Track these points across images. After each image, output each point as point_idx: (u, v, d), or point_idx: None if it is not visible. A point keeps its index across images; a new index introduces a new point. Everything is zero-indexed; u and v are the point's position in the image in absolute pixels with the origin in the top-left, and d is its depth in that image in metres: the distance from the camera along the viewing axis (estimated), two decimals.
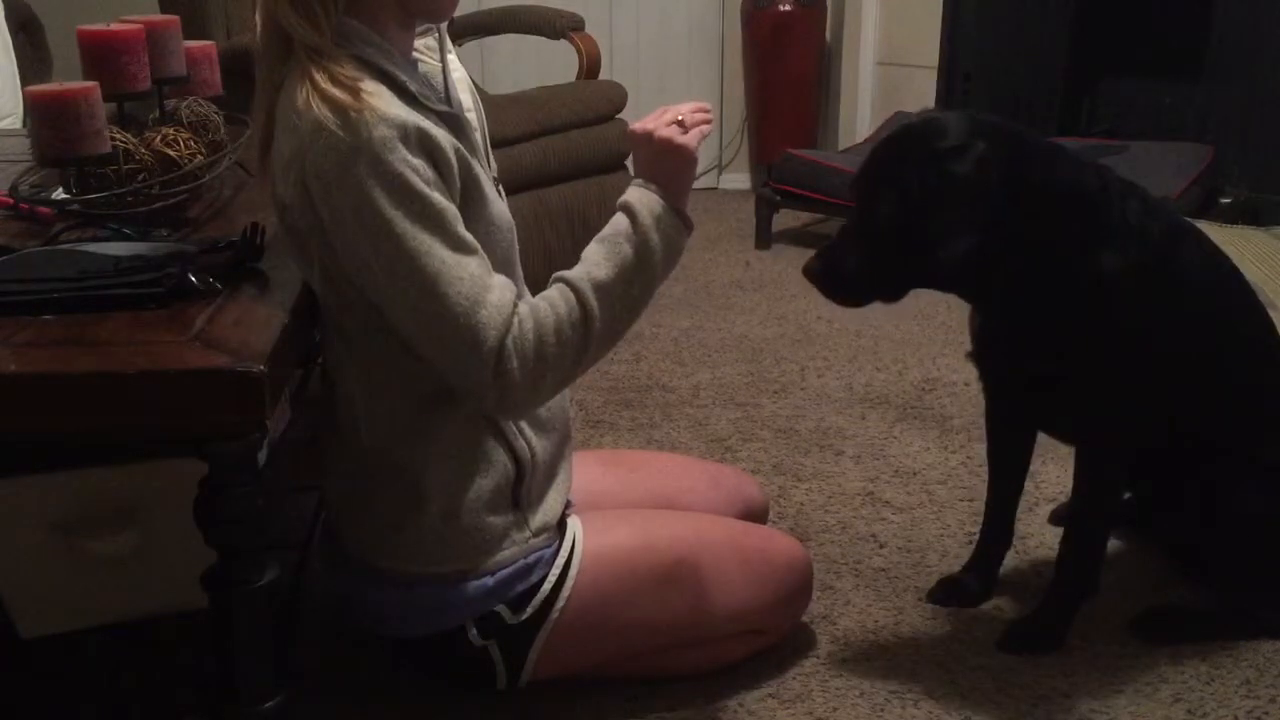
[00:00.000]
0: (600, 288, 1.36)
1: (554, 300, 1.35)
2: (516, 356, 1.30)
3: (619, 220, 1.41)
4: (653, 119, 1.45)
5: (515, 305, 1.32)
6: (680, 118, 1.43)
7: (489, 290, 1.29)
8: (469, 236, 1.31)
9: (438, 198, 1.28)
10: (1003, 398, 1.78)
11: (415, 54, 1.47)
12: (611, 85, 3.52)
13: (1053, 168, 1.57)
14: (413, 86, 1.33)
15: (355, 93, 1.25)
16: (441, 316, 1.28)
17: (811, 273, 1.59)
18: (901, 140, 1.58)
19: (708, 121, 1.45)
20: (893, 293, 1.60)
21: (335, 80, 1.26)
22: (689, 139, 1.42)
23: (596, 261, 1.38)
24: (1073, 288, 1.56)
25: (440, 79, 1.50)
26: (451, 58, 1.53)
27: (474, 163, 1.37)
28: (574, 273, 1.37)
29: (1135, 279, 1.56)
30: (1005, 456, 1.83)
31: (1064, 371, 1.61)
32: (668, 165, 1.43)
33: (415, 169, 1.26)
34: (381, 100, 1.27)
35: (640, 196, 1.41)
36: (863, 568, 1.94)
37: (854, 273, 1.58)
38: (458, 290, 1.27)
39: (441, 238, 1.27)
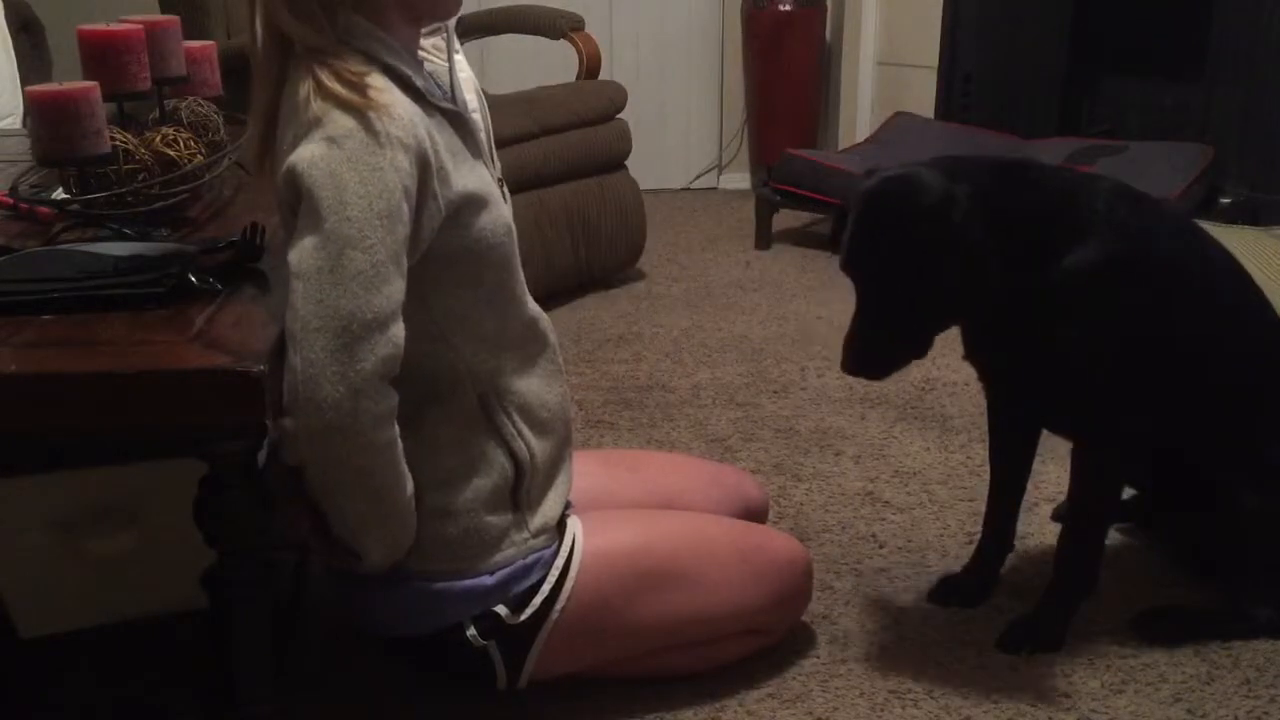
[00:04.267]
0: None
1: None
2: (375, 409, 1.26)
3: None
4: None
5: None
6: None
7: (398, 320, 1.27)
8: (405, 263, 1.29)
9: (405, 210, 1.26)
10: (1002, 397, 1.77)
11: (422, 54, 1.48)
12: (611, 85, 3.53)
13: (1026, 188, 1.58)
14: (418, 82, 1.34)
15: (362, 89, 1.26)
16: (336, 312, 1.23)
17: (849, 368, 1.60)
18: (881, 210, 1.54)
19: None
20: (925, 347, 1.60)
21: (340, 77, 1.26)
22: None
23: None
24: (1044, 288, 1.56)
25: (446, 79, 1.50)
26: (459, 58, 1.53)
27: (467, 168, 1.37)
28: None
29: (1106, 274, 1.55)
30: (1007, 456, 1.82)
31: (1049, 370, 1.60)
32: None
33: (399, 170, 1.25)
34: (389, 96, 1.27)
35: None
36: (863, 568, 1.94)
37: (887, 351, 1.60)
38: (370, 298, 1.24)
39: (388, 245, 1.25)
